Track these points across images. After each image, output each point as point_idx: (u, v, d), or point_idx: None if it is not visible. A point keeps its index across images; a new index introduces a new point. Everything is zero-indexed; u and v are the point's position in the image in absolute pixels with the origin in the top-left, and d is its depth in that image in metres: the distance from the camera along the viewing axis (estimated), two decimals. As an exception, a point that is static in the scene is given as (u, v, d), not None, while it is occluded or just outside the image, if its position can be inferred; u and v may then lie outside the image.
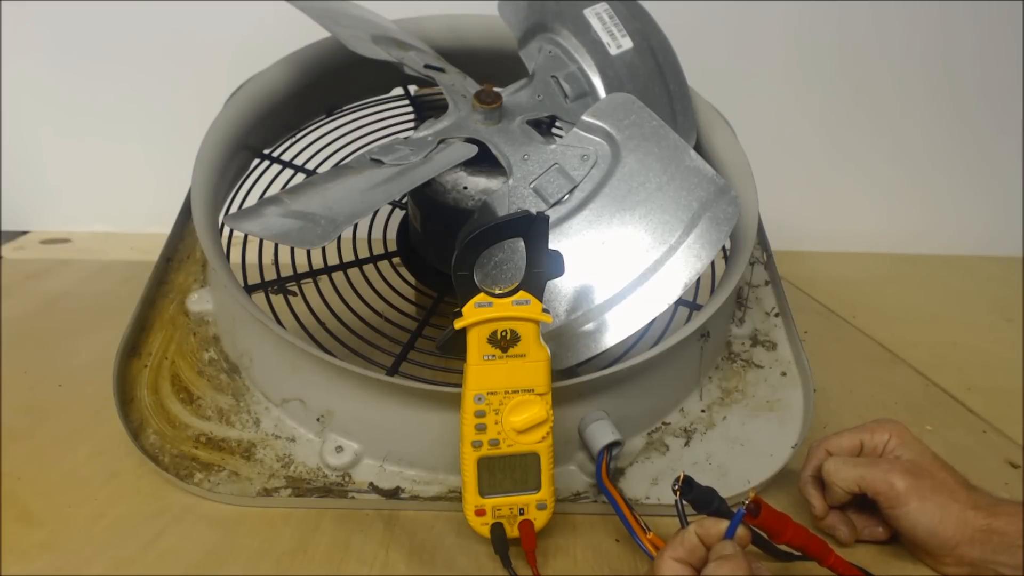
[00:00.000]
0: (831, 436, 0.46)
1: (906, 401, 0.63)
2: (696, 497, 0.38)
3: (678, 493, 0.38)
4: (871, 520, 0.44)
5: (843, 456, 0.44)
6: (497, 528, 0.41)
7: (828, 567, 0.39)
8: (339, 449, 0.47)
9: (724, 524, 0.36)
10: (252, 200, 0.53)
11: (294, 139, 0.65)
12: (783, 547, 0.39)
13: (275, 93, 0.59)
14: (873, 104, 1.01)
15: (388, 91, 0.69)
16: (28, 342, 0.66)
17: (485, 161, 0.51)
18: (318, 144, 0.65)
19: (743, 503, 0.37)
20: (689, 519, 0.37)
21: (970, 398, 0.64)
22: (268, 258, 0.55)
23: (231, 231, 0.56)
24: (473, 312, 0.38)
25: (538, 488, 0.41)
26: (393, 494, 0.46)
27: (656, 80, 0.57)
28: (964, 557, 0.39)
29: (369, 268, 0.60)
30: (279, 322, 0.49)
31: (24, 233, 1.01)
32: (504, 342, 0.39)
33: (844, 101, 1.00)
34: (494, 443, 0.40)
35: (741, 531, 0.36)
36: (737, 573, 0.33)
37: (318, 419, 0.48)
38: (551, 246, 0.39)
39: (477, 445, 0.40)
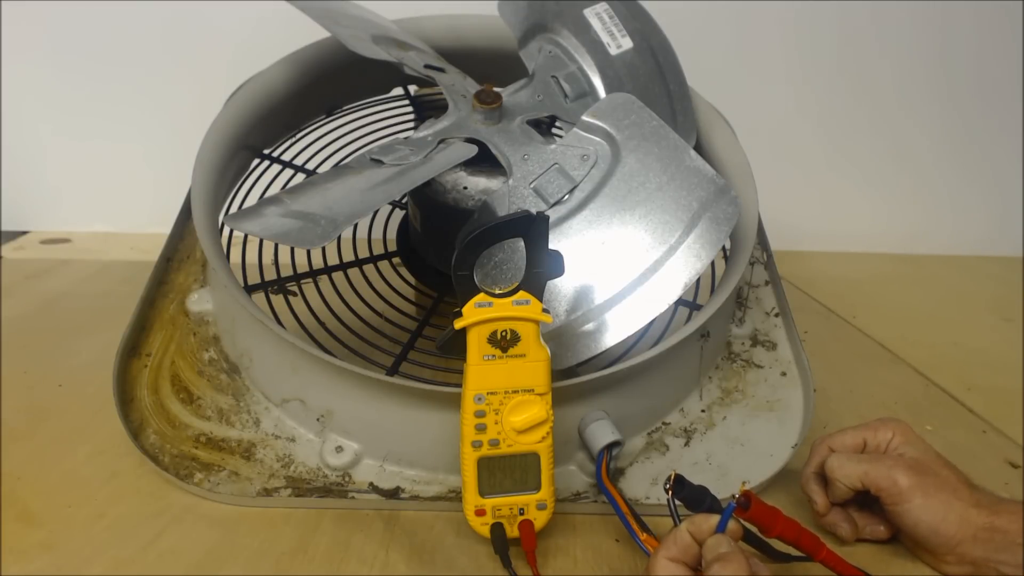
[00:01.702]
0: (834, 433, 0.46)
1: (906, 401, 0.63)
2: (688, 495, 0.38)
3: (670, 492, 0.38)
4: (872, 519, 0.44)
5: (847, 453, 0.44)
6: (497, 528, 0.41)
7: (820, 561, 0.39)
8: (339, 449, 0.47)
9: (715, 519, 0.36)
10: (252, 200, 0.53)
11: (294, 139, 0.65)
12: (776, 540, 0.39)
13: (275, 93, 0.59)
14: (873, 104, 1.01)
15: (388, 91, 0.69)
16: (28, 342, 0.66)
17: (485, 161, 0.51)
18: (318, 144, 0.65)
19: (733, 496, 0.37)
20: (683, 518, 0.38)
21: (970, 398, 0.64)
22: (268, 258, 0.55)
23: (231, 231, 0.56)
24: (473, 312, 0.38)
25: (538, 488, 0.41)
26: (393, 494, 0.46)
27: (656, 80, 0.57)
28: (966, 555, 0.39)
29: (369, 268, 0.60)
30: (279, 322, 0.49)
31: (24, 233, 1.01)
32: (504, 342, 0.39)
33: (844, 101, 1.00)
34: (494, 443, 0.40)
35: (732, 525, 0.36)
36: (740, 574, 0.33)
37: (318, 419, 0.48)
38: (551, 246, 0.39)
39: (477, 445, 0.40)
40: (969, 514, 0.39)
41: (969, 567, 0.39)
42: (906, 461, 0.41)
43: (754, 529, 0.38)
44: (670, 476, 0.38)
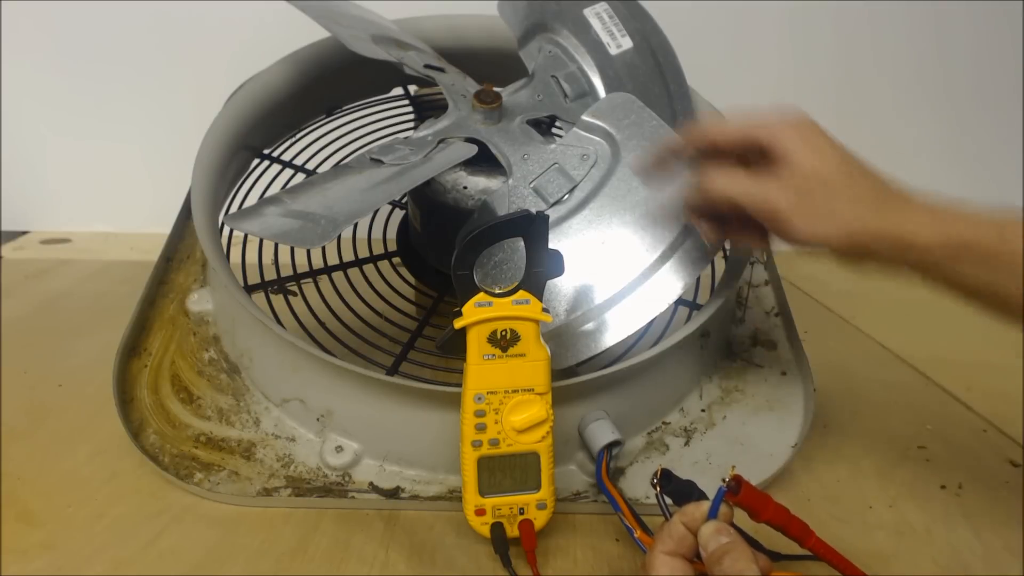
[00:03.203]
0: (716, 121, 0.43)
1: (906, 401, 0.63)
2: (675, 489, 0.38)
3: (658, 487, 0.38)
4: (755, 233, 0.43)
5: (726, 167, 0.41)
6: (497, 528, 0.41)
7: (809, 548, 0.38)
8: (339, 449, 0.47)
9: (707, 506, 0.36)
10: (252, 200, 0.53)
11: (294, 139, 0.65)
12: (765, 524, 0.38)
13: (275, 93, 0.59)
14: (871, 104, 1.01)
15: (388, 91, 0.69)
16: (28, 342, 0.66)
17: (485, 161, 0.51)
18: (318, 144, 0.65)
19: (723, 480, 0.36)
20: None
21: (970, 398, 0.64)
22: (268, 258, 0.55)
23: (231, 231, 0.56)
24: (473, 312, 0.38)
25: (538, 488, 0.41)
26: (393, 494, 0.46)
27: (656, 80, 0.57)
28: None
29: (369, 268, 0.60)
30: (279, 322, 0.49)
31: (24, 233, 1.01)
32: (504, 342, 0.39)
33: (842, 101, 1.00)
34: (494, 443, 0.40)
35: (723, 509, 0.35)
36: (748, 572, 0.33)
37: (318, 419, 0.48)
38: (551, 246, 0.39)
39: (477, 445, 0.40)
40: (866, 220, 0.37)
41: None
42: (789, 182, 0.39)
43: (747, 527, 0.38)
44: (657, 471, 0.38)
